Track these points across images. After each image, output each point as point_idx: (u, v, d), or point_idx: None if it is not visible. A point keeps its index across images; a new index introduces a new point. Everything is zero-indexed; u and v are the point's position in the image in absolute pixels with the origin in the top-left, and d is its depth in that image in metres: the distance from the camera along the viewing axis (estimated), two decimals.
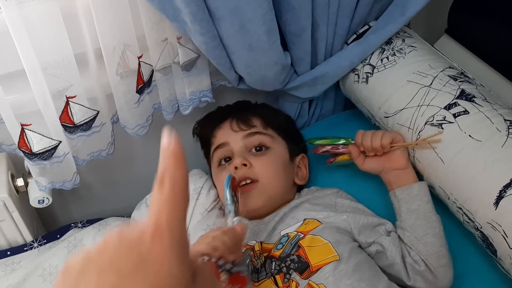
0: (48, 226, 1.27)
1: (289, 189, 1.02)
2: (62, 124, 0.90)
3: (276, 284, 0.83)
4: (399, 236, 0.90)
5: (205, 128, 1.11)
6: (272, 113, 1.12)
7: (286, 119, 1.15)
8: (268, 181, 0.97)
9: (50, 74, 0.86)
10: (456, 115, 0.87)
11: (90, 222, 1.14)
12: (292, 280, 0.82)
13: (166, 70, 1.02)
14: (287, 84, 1.10)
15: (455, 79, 0.92)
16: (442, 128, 0.88)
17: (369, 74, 1.03)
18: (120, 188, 1.21)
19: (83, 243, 1.06)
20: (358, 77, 1.05)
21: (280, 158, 1.02)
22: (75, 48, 0.86)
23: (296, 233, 0.89)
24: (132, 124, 1.01)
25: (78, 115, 0.91)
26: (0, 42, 0.83)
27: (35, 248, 1.07)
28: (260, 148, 1.01)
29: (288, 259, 0.85)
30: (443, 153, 0.87)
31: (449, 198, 0.87)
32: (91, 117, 0.93)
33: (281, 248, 0.87)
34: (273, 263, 0.85)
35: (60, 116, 0.89)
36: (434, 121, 0.89)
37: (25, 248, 1.07)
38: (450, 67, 0.96)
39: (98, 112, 0.94)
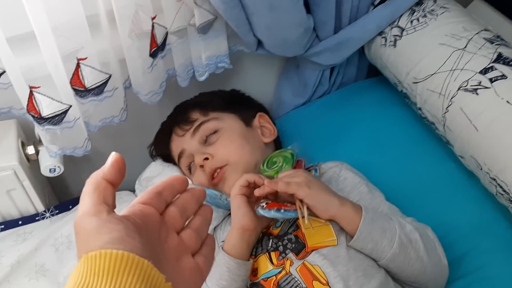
0: (60, 196, 1.24)
1: (263, 152, 1.00)
2: (72, 88, 0.86)
3: (271, 260, 0.82)
4: None
5: (160, 149, 1.10)
6: (206, 98, 1.08)
7: (224, 94, 1.11)
8: (235, 158, 0.94)
9: (61, 36, 0.82)
10: (493, 80, 0.81)
11: None
12: (287, 259, 0.80)
13: (181, 33, 0.97)
14: (308, 49, 1.04)
15: (492, 42, 0.86)
16: (477, 94, 0.82)
17: (397, 37, 0.97)
18: (133, 156, 1.16)
19: None
20: (385, 41, 0.99)
21: (235, 131, 0.99)
22: (87, 9, 0.82)
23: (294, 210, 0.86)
24: (145, 90, 0.97)
25: (90, 79, 0.86)
26: (9, 3, 0.79)
27: (47, 218, 1.05)
28: (212, 135, 0.98)
29: (286, 238, 0.83)
30: (477, 120, 0.81)
31: (481, 169, 0.82)
32: (103, 81, 0.89)
33: (279, 226, 0.85)
34: (270, 240, 0.84)
35: (70, 79, 0.85)
36: (469, 86, 0.83)
37: (36, 218, 1.04)
38: (485, 30, 0.89)
39: (110, 75, 0.90)
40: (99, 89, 0.89)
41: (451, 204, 0.91)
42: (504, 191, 0.79)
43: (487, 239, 0.86)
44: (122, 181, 0.43)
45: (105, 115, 0.94)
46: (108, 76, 0.89)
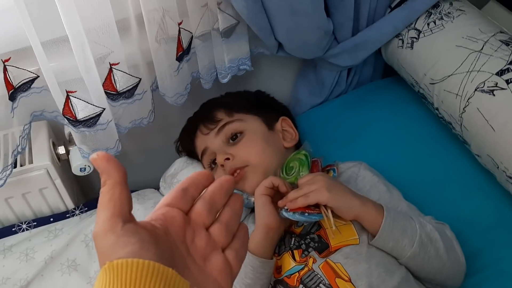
0: (87, 195, 1.28)
1: (283, 156, 1.01)
2: (105, 92, 0.89)
3: (293, 257, 0.84)
4: None
5: (185, 145, 1.13)
6: (232, 98, 1.10)
7: (249, 96, 1.13)
8: (256, 160, 0.96)
9: (92, 40, 0.85)
10: (509, 81, 0.84)
11: None
12: (310, 257, 0.82)
13: (205, 37, 1.01)
14: (327, 51, 1.07)
15: (507, 44, 0.89)
16: (494, 95, 0.85)
17: (414, 39, 1.00)
18: (156, 157, 1.21)
19: None
20: (403, 42, 1.02)
21: (257, 134, 1.01)
22: (117, 14, 0.85)
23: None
24: (171, 92, 1.00)
25: (121, 82, 0.90)
26: (44, 8, 0.82)
27: (76, 215, 1.09)
28: (235, 136, 1.00)
29: (308, 237, 0.85)
30: (493, 120, 0.84)
31: (498, 167, 0.85)
32: (134, 85, 0.93)
33: (302, 225, 0.87)
34: (293, 238, 0.86)
35: (103, 83, 0.89)
36: (485, 87, 0.86)
37: (67, 215, 1.08)
38: (501, 32, 0.92)
39: (140, 79, 0.93)
40: (130, 92, 0.93)
41: (467, 201, 0.94)
42: None
43: (503, 235, 0.88)
44: (125, 173, 0.42)
45: (135, 117, 0.98)
46: (138, 80, 0.93)
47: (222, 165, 0.97)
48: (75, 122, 0.88)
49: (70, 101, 0.85)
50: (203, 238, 0.43)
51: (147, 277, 0.35)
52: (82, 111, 0.87)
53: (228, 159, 0.97)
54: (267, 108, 1.09)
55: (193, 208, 0.44)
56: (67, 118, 0.89)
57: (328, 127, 1.17)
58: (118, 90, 0.91)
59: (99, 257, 0.38)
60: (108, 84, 0.89)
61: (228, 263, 0.43)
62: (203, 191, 0.46)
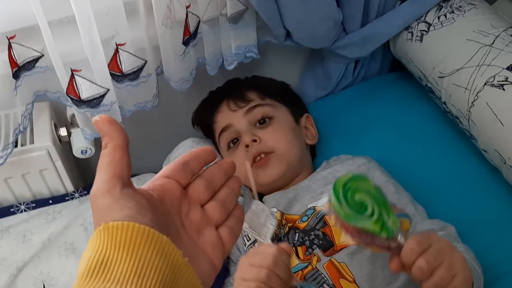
0: (86, 179, 1.27)
1: (304, 152, 1.01)
2: (110, 73, 0.88)
3: (297, 255, 0.82)
4: None
5: (203, 116, 1.09)
6: (266, 82, 1.09)
7: (281, 84, 1.13)
8: (283, 149, 0.95)
9: (99, 23, 0.84)
10: None
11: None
12: (314, 255, 0.80)
13: (213, 22, 0.99)
14: (335, 42, 1.06)
15: None
16: (504, 90, 0.84)
17: (424, 32, 0.99)
18: (157, 144, 1.20)
19: None
20: (412, 35, 1.01)
21: (286, 124, 1.00)
22: None
23: (323, 208, 0.87)
24: (176, 77, 0.99)
25: (127, 64, 0.89)
26: None
27: (76, 198, 1.08)
28: (264, 120, 0.99)
29: (313, 233, 0.83)
30: (503, 115, 0.83)
31: (505, 163, 0.84)
32: (139, 67, 0.92)
33: (306, 221, 0.85)
34: (297, 234, 0.84)
35: (108, 64, 0.88)
36: (495, 82, 0.85)
37: (66, 198, 1.07)
38: None
39: (146, 61, 0.92)
40: (135, 74, 0.92)
41: (473, 198, 0.92)
42: None
43: (509, 233, 0.87)
44: (127, 138, 0.41)
45: (139, 100, 0.97)
46: (144, 62, 0.92)
47: (247, 146, 0.95)
48: (79, 102, 0.87)
49: (75, 80, 0.84)
50: (198, 212, 0.43)
51: (142, 241, 0.35)
52: (86, 91, 0.86)
53: (255, 140, 0.95)
54: (294, 102, 1.09)
55: (191, 183, 0.44)
56: (70, 98, 0.87)
57: (333, 121, 1.16)
58: (124, 72, 0.89)
59: (94, 218, 0.38)
60: (113, 65, 0.88)
61: (221, 239, 0.43)
62: (204, 169, 0.45)
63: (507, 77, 0.84)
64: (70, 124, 1.05)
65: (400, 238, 0.58)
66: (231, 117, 1.00)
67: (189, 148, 1.11)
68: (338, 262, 0.79)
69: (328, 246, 0.81)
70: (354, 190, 0.59)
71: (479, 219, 0.90)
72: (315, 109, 1.20)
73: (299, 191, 0.93)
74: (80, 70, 0.84)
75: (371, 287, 0.75)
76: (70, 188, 1.08)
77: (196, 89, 1.13)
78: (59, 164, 1.02)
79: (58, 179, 1.05)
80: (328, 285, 0.76)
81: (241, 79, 1.11)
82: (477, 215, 0.90)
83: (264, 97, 1.01)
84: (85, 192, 1.09)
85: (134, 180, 1.11)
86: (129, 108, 0.97)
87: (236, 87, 1.05)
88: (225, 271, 0.91)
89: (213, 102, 1.06)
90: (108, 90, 0.87)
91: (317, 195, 0.91)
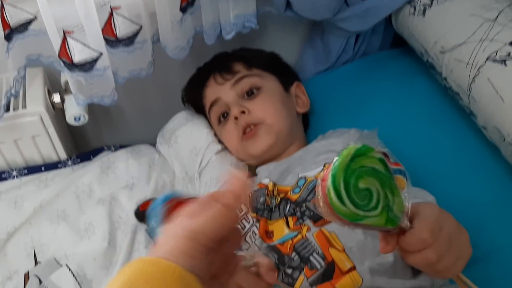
0: (80, 147, 1.25)
1: (295, 121, 1.00)
2: (104, 37, 0.86)
3: (288, 224, 0.82)
4: None
5: (192, 93, 1.09)
6: (252, 53, 1.08)
7: (269, 54, 1.11)
8: (272, 119, 0.94)
9: None
10: None
11: (123, 147, 1.13)
12: (305, 225, 0.80)
13: None
14: (336, 14, 1.04)
15: None
16: (506, 65, 0.82)
17: (427, 6, 0.96)
18: (153, 115, 1.18)
19: (116, 165, 1.05)
20: (414, 9, 0.99)
21: (275, 93, 0.99)
22: None
23: (314, 178, 0.86)
24: (172, 45, 0.97)
25: (121, 28, 0.87)
26: None
27: (68, 166, 1.06)
28: (252, 91, 0.98)
29: (304, 205, 0.82)
30: (504, 91, 0.81)
31: (504, 140, 0.83)
32: (134, 32, 0.89)
33: (298, 192, 0.85)
34: (288, 205, 0.84)
35: (102, 28, 0.86)
36: (497, 57, 0.83)
37: (59, 165, 1.06)
38: None
39: (141, 27, 0.90)
40: (129, 40, 0.89)
41: (471, 176, 0.91)
42: None
43: (506, 213, 0.86)
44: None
45: (133, 67, 0.95)
46: (139, 27, 0.90)
47: (236, 118, 0.95)
48: (71, 65, 0.85)
49: (67, 42, 0.82)
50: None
51: (167, 277, 0.40)
52: (78, 54, 0.84)
53: (243, 112, 0.95)
54: (283, 71, 1.08)
55: None
56: (63, 61, 0.86)
57: (332, 96, 1.14)
58: (118, 37, 0.87)
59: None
60: (107, 29, 0.86)
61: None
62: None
63: (510, 52, 0.82)
64: (64, 90, 1.03)
65: (403, 222, 0.49)
66: (218, 91, 0.99)
67: (183, 119, 1.10)
68: (328, 232, 0.78)
69: (319, 217, 0.80)
70: (359, 175, 0.47)
71: (476, 196, 0.89)
72: (314, 84, 1.18)
73: (292, 163, 0.93)
74: (72, 32, 0.82)
75: (361, 257, 0.74)
76: (63, 155, 1.07)
77: (194, 59, 1.11)
78: (52, 130, 1.01)
79: (51, 146, 1.04)
80: (317, 254, 0.76)
81: (229, 52, 1.09)
82: (474, 192, 0.89)
83: (250, 67, 1.00)
84: (79, 160, 1.08)
85: (127, 150, 1.10)
86: (123, 75, 0.95)
87: (223, 61, 1.04)
88: None
89: (201, 78, 1.05)
90: (101, 54, 0.85)
91: (309, 166, 0.91)
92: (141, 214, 0.95)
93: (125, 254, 0.91)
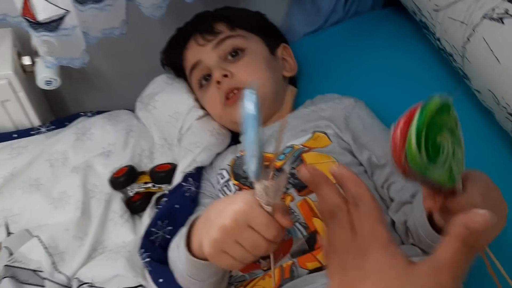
0: (58, 115, 1.20)
1: (281, 85, 0.96)
2: None
3: None
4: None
5: (172, 55, 1.03)
6: (236, 12, 1.02)
7: (254, 14, 1.05)
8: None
9: None
10: None
11: (100, 112, 1.07)
12: (288, 194, 0.77)
13: None
14: None
15: None
16: (503, 23, 0.76)
17: None
18: (133, 79, 1.12)
19: (92, 132, 1.00)
20: None
21: (260, 55, 0.94)
22: None
23: (301, 146, 0.83)
24: (147, 2, 0.91)
25: None
26: None
27: (42, 133, 1.01)
28: (235, 53, 0.93)
29: (289, 171, 0.79)
30: (500, 51, 0.76)
31: (498, 103, 0.78)
32: None
33: (283, 159, 0.81)
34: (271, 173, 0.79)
35: None
36: (494, 15, 0.77)
37: (31, 132, 1.01)
38: None
39: None
40: None
41: (464, 141, 0.87)
42: None
43: (498, 181, 0.82)
44: None
45: (105, 25, 0.89)
46: None
47: (218, 82, 0.90)
48: (35, 24, 0.79)
49: None
50: None
51: None
52: (43, 11, 0.77)
53: (226, 76, 0.90)
54: (268, 32, 1.02)
55: None
56: (26, 20, 0.79)
57: (321, 58, 1.09)
58: None
59: None
60: None
61: None
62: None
63: (507, 9, 0.76)
64: (35, 53, 0.97)
65: (459, 184, 0.51)
66: (200, 53, 0.94)
67: (162, 84, 1.04)
68: (313, 201, 0.75)
69: (303, 185, 0.77)
70: (439, 130, 0.47)
71: (468, 161, 0.85)
72: (302, 46, 1.13)
73: (279, 128, 0.88)
74: None
75: None
76: (36, 122, 1.02)
77: (174, 18, 1.05)
78: (22, 95, 0.96)
79: (22, 112, 0.99)
80: (300, 223, 0.73)
81: (211, 11, 1.03)
82: (467, 158, 0.85)
83: (234, 28, 0.95)
84: (53, 126, 1.03)
85: (105, 116, 1.05)
86: (95, 34, 0.88)
87: (204, 21, 0.98)
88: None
89: (181, 39, 0.99)
90: (68, 11, 0.79)
91: (297, 133, 0.87)
92: (116, 181, 0.91)
93: (98, 224, 0.87)
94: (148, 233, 0.81)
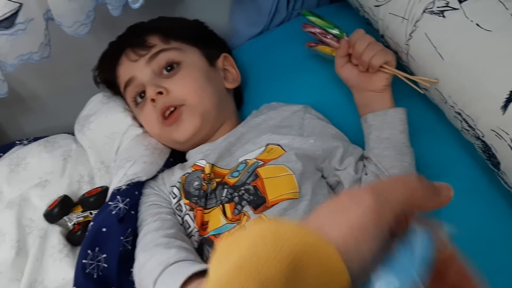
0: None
1: (223, 98, 0.91)
2: None
3: (225, 214, 0.74)
4: (363, 166, 0.79)
5: (104, 72, 0.96)
6: (170, 23, 0.96)
7: (191, 23, 0.99)
8: (194, 99, 0.84)
9: None
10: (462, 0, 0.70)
11: (38, 139, 1.00)
12: (244, 214, 0.72)
13: None
14: None
15: None
16: (444, 16, 0.71)
17: None
18: (72, 99, 1.06)
19: (27, 161, 0.93)
20: None
21: (197, 68, 0.88)
22: None
23: (255, 160, 0.78)
24: (69, 21, 0.84)
25: None
26: None
27: None
28: (170, 67, 0.87)
29: (243, 188, 0.74)
30: (443, 47, 0.71)
31: (446, 102, 0.73)
32: (12, 11, 0.76)
33: (237, 176, 0.77)
34: (225, 190, 0.76)
35: None
36: (435, 8, 0.72)
37: None
38: None
39: (21, 4, 0.76)
40: (8, 21, 0.76)
41: (416, 140, 0.83)
42: (470, 126, 0.71)
43: (451, 179, 0.78)
44: None
45: (22, 51, 0.82)
46: (18, 5, 0.76)
47: (153, 100, 0.84)
48: None
49: None
50: None
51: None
52: None
53: (161, 93, 0.84)
54: (207, 41, 0.96)
55: None
56: None
57: (268, 61, 1.03)
58: None
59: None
60: None
61: None
62: None
63: (448, 2, 0.71)
64: None
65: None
66: (132, 69, 0.88)
67: (99, 103, 0.98)
68: (269, 219, 0.70)
69: (259, 202, 0.73)
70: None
71: (420, 163, 0.81)
72: (247, 50, 1.07)
73: (232, 139, 0.85)
74: None
75: None
76: None
77: (108, 33, 0.98)
78: None
79: None
80: None
81: (144, 23, 0.96)
82: (419, 155, 0.81)
83: (168, 40, 0.89)
84: None
85: (40, 143, 0.98)
86: (11, 62, 0.82)
87: (137, 34, 0.92)
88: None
89: (113, 54, 0.93)
90: None
91: (249, 147, 0.82)
92: (49, 214, 0.85)
93: (33, 262, 0.80)
94: (81, 267, 0.74)
